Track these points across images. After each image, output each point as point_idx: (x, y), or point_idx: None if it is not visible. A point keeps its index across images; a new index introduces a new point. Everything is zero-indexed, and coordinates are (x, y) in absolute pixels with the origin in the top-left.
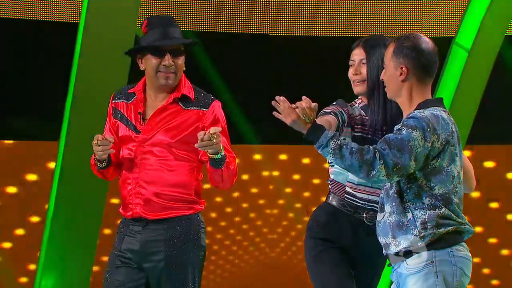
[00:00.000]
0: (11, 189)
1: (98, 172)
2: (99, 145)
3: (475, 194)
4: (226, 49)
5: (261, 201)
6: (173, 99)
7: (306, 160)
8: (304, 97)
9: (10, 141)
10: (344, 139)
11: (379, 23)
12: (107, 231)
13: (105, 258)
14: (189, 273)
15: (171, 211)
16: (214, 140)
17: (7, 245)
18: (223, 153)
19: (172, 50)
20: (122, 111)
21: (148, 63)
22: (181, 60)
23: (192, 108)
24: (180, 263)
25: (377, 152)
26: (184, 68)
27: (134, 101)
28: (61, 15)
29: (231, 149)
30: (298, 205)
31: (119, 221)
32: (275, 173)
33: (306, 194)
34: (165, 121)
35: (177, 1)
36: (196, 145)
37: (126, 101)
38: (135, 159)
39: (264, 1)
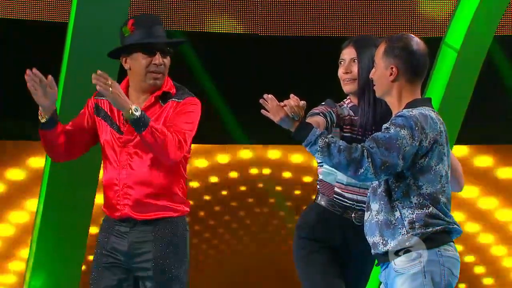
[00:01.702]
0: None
1: (41, 134)
2: (28, 79)
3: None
4: (215, 49)
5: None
6: (154, 98)
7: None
8: (292, 95)
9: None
10: (332, 137)
11: (369, 23)
12: (95, 231)
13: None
14: (176, 275)
15: (159, 212)
16: (110, 88)
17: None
18: (138, 116)
19: (162, 50)
20: (106, 110)
21: (136, 62)
22: (168, 60)
23: (168, 101)
24: (168, 264)
25: (365, 150)
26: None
27: None
28: (50, 15)
29: (183, 129)
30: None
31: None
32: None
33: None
34: None
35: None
36: (93, 74)
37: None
38: (120, 160)
39: (254, 0)
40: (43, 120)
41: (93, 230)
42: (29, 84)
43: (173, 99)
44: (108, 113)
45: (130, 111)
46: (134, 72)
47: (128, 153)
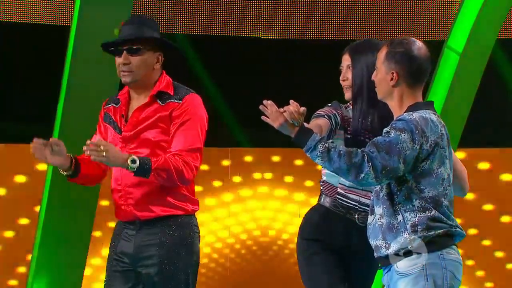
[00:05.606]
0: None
1: (72, 181)
2: (33, 149)
3: (470, 196)
4: (218, 52)
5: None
6: (150, 97)
7: (299, 162)
8: (291, 101)
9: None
10: (332, 142)
11: (372, 25)
12: (97, 234)
13: (94, 261)
14: (182, 279)
15: (162, 208)
16: (103, 153)
17: None
18: (137, 166)
19: (129, 48)
20: (111, 115)
21: None
22: (138, 58)
23: (168, 101)
24: (173, 269)
25: (365, 155)
26: (156, 67)
27: (120, 104)
28: (54, 17)
29: (187, 148)
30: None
31: (109, 223)
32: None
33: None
34: (144, 120)
35: (172, 2)
36: (84, 148)
37: (114, 105)
38: None
39: (257, 4)
40: (65, 174)
41: (96, 233)
42: (37, 154)
43: (173, 100)
44: (112, 117)
45: (129, 166)
46: None
47: (128, 152)
